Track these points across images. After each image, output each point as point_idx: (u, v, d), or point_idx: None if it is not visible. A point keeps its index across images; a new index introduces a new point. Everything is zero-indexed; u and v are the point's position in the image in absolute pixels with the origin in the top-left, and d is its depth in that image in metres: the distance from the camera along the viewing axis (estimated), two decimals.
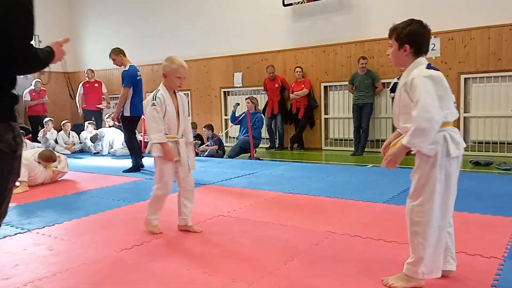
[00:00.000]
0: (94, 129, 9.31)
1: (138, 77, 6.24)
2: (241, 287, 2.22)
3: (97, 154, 8.77)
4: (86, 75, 10.23)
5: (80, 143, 9.36)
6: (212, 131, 8.24)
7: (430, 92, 2.03)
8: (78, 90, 10.15)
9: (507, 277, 2.25)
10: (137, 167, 6.25)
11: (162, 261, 2.62)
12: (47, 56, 1.82)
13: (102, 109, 10.16)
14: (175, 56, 3.15)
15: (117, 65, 6.29)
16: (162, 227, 3.34)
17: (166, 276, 2.40)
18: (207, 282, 2.31)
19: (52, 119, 9.41)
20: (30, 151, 5.53)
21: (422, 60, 2.17)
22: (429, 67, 2.14)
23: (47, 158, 5.34)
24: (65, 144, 9.10)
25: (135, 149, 6.34)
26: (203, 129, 8.33)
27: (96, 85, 10.17)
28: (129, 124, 6.25)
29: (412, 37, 2.17)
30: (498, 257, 2.53)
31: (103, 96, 10.20)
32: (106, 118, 9.43)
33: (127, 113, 6.09)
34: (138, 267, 2.55)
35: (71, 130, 9.49)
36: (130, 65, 6.19)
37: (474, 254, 2.59)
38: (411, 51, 2.17)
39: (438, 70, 2.14)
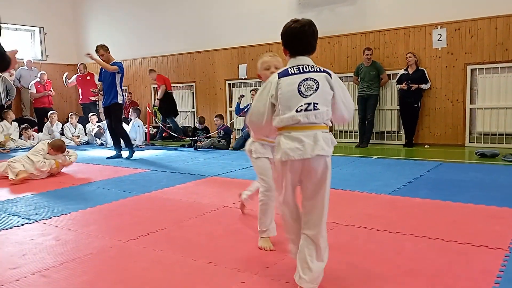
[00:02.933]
0: (97, 121, 9.36)
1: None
2: (246, 277, 2.24)
3: (101, 146, 8.82)
4: (78, 69, 10.35)
5: (86, 135, 9.41)
6: (222, 121, 8.30)
7: (259, 97, 2.12)
8: (72, 78, 10.32)
9: None
10: (119, 155, 6.80)
11: (168, 251, 2.64)
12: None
13: (96, 100, 10.25)
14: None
15: (104, 60, 6.66)
16: (168, 218, 3.37)
17: (172, 266, 2.41)
18: (212, 272, 2.33)
19: (56, 112, 9.46)
20: (41, 143, 5.57)
21: (290, 61, 2.10)
22: (282, 72, 2.07)
23: (58, 147, 5.39)
24: (72, 136, 9.16)
25: (125, 133, 6.87)
26: (215, 118, 8.42)
27: (88, 77, 10.29)
28: (121, 111, 6.84)
29: (283, 38, 2.14)
30: (504, 248, 2.52)
31: (97, 88, 10.25)
32: (101, 111, 9.49)
33: (120, 101, 6.65)
34: (144, 256, 2.57)
35: (77, 122, 9.55)
36: (116, 61, 6.76)
37: (479, 245, 2.58)
38: (286, 52, 2.14)
39: (294, 74, 2.03)
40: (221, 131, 8.12)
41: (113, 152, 7.00)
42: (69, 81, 10.30)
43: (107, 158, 6.75)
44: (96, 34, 12.16)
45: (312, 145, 1.97)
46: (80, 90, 10.24)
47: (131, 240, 2.85)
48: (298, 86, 2.01)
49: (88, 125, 9.41)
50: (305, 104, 1.98)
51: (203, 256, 2.54)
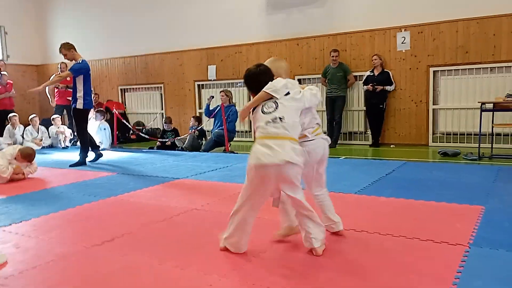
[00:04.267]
0: (62, 124, 9.12)
1: (89, 71, 6.33)
2: (213, 280, 2.22)
3: (65, 148, 8.63)
4: (60, 68, 9.92)
5: (50, 137, 9.13)
6: (198, 123, 8.28)
7: None
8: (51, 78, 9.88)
9: (472, 263, 2.33)
10: (83, 162, 6.33)
11: (134, 256, 2.58)
12: None
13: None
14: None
15: (68, 59, 6.38)
16: (135, 222, 3.30)
17: (138, 270, 2.37)
18: (179, 275, 2.30)
19: (17, 114, 9.11)
20: (13, 147, 5.37)
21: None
22: None
23: (25, 155, 5.23)
24: (33, 139, 8.86)
25: (86, 143, 6.43)
26: (192, 118, 8.53)
27: (68, 78, 9.86)
28: (82, 117, 6.33)
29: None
30: (464, 244, 2.61)
31: (69, 89, 9.93)
32: None
33: (80, 106, 6.18)
34: (108, 262, 2.51)
35: (40, 124, 9.24)
36: (82, 60, 6.24)
37: (440, 241, 2.66)
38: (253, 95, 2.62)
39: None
40: (196, 131, 8.07)
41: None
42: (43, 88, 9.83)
43: (70, 166, 6.27)
44: (61, 34, 11.82)
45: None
46: (56, 90, 9.79)
47: (95, 246, 2.78)
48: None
49: (51, 128, 9.12)
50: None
51: (170, 260, 2.50)
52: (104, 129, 8.41)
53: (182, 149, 7.90)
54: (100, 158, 6.63)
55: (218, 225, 3.13)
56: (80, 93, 6.13)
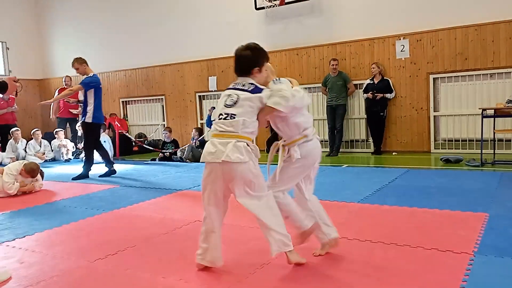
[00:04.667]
0: (65, 137, 9.16)
1: (100, 85, 6.38)
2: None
3: (67, 161, 8.67)
4: (64, 82, 9.98)
5: (52, 151, 9.15)
6: (200, 134, 8.38)
7: None
8: (54, 95, 9.92)
9: (477, 272, 2.32)
10: (86, 175, 6.35)
11: (137, 270, 2.58)
12: None
13: (77, 115, 9.93)
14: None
15: (80, 73, 6.38)
16: (138, 235, 3.30)
17: (141, 285, 2.36)
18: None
19: (19, 129, 9.15)
20: (19, 162, 5.40)
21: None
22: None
23: (29, 171, 5.21)
24: (36, 153, 8.88)
25: (91, 156, 6.44)
26: (193, 130, 8.57)
27: (79, 91, 9.92)
28: (91, 131, 6.33)
29: None
30: (469, 252, 2.60)
31: (79, 104, 9.98)
32: (78, 126, 9.24)
33: (89, 120, 6.19)
34: (112, 276, 2.51)
35: (42, 138, 9.27)
36: (94, 74, 6.31)
37: (445, 250, 2.65)
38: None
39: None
40: (197, 142, 8.10)
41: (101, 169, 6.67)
42: (54, 101, 9.87)
43: (72, 179, 6.29)
44: (62, 48, 11.93)
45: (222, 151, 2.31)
46: (61, 102, 9.83)
47: (99, 260, 2.78)
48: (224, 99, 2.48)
49: (53, 141, 9.15)
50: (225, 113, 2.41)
51: (173, 273, 2.49)
52: (104, 141, 8.42)
53: (181, 160, 7.91)
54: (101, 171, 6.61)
55: (221, 237, 3.12)
56: (90, 107, 6.15)
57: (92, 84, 6.18)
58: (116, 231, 3.47)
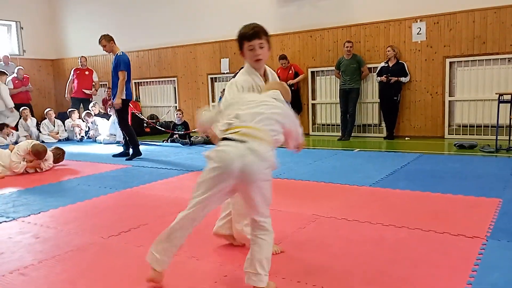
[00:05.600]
0: (78, 118, 9.25)
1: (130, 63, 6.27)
2: (228, 271, 2.24)
3: (81, 141, 8.76)
4: (79, 62, 10.05)
5: (66, 131, 9.27)
6: None
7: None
8: (70, 76, 10.02)
9: (489, 256, 2.30)
10: (137, 151, 6.24)
11: (150, 247, 2.61)
12: None
13: (91, 95, 10.02)
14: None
15: (106, 51, 6.26)
16: (150, 213, 3.34)
17: None
18: (195, 266, 2.32)
19: (27, 107, 9.25)
20: (27, 142, 5.46)
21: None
22: None
23: (35, 153, 5.26)
24: (50, 132, 9.00)
25: (134, 134, 6.31)
26: None
27: (87, 73, 10.02)
28: (124, 107, 6.23)
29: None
30: (481, 237, 2.58)
31: (93, 84, 10.06)
32: (91, 106, 9.32)
33: (122, 96, 6.08)
34: (125, 253, 2.55)
35: (56, 118, 9.38)
36: (122, 52, 6.20)
37: (457, 234, 2.63)
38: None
39: None
40: None
41: (98, 149, 6.73)
42: (70, 79, 9.95)
43: (113, 156, 6.40)
44: (74, 28, 11.95)
45: None
46: (75, 83, 9.92)
47: (112, 237, 2.82)
48: None
49: (67, 121, 9.25)
50: None
51: (185, 251, 2.52)
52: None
53: (192, 143, 7.80)
54: (116, 150, 6.67)
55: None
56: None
57: (127, 63, 6.12)
58: (129, 209, 3.52)
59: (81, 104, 9.87)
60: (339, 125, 7.99)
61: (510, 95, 5.83)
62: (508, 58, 6.75)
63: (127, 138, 6.33)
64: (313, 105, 8.57)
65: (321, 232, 2.78)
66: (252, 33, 2.29)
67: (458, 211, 3.13)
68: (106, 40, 6.13)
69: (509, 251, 2.36)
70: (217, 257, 2.42)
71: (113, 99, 6.17)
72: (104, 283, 2.16)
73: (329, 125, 8.45)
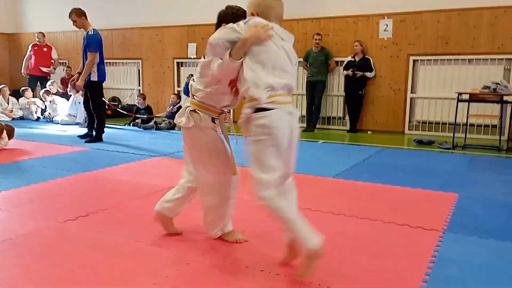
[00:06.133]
0: (33, 96, 8.83)
1: (102, 41, 5.92)
2: (191, 259, 2.19)
3: (38, 120, 8.36)
4: (37, 38, 9.53)
5: (21, 109, 8.83)
6: (180, 100, 8.21)
7: None
8: (27, 52, 9.49)
9: (446, 248, 2.38)
10: (100, 137, 6.04)
11: (109, 233, 2.53)
12: None
13: (49, 74, 9.56)
14: None
15: (77, 27, 5.92)
16: (110, 198, 3.23)
17: (112, 248, 2.31)
18: (157, 253, 2.26)
19: None
20: None
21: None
22: None
23: None
24: (3, 110, 8.54)
25: (103, 116, 6.09)
26: (172, 95, 8.41)
27: (45, 49, 9.52)
28: (97, 90, 5.94)
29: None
30: (438, 229, 2.66)
31: (52, 61, 9.59)
32: (49, 85, 8.90)
33: (94, 78, 5.80)
34: (83, 238, 2.45)
35: (10, 95, 8.91)
36: (94, 29, 5.83)
37: (416, 226, 2.71)
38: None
39: None
40: (175, 108, 7.95)
41: (54, 129, 6.42)
42: (28, 55, 9.40)
43: (78, 136, 6.15)
44: (34, 2, 11.33)
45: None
46: (33, 59, 9.39)
47: (69, 221, 2.71)
48: None
49: (21, 99, 8.80)
50: None
51: (146, 237, 2.46)
52: (79, 103, 8.17)
53: (157, 128, 7.65)
54: (73, 131, 6.42)
55: (196, 204, 3.09)
56: (95, 66, 5.77)
57: (99, 43, 5.76)
58: (87, 193, 3.39)
59: (38, 82, 9.40)
60: (305, 116, 8.04)
61: (468, 95, 6.06)
62: (468, 59, 7.00)
63: (96, 121, 6.05)
64: None
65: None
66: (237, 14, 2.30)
67: (417, 204, 3.23)
68: (77, 15, 5.76)
69: (464, 244, 2.46)
70: (180, 245, 2.37)
71: (88, 77, 5.85)
72: (60, 270, 2.06)
73: None
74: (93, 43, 5.73)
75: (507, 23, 6.65)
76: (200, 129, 2.22)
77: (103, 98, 6.26)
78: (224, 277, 2.02)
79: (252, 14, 2.17)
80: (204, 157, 2.27)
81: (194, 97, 2.27)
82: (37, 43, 9.46)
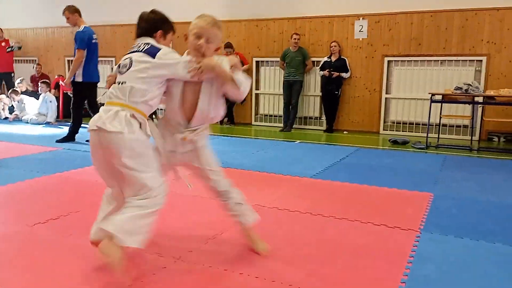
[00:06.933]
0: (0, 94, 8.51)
1: (94, 40, 5.70)
2: (167, 262, 2.13)
3: (6, 120, 8.06)
4: None
5: None
6: None
7: None
8: None
9: (423, 247, 2.40)
10: (72, 136, 5.88)
11: (81, 237, 2.43)
12: None
13: (12, 69, 9.24)
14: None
15: (70, 24, 5.75)
16: (83, 200, 3.12)
17: (86, 252, 2.22)
18: (131, 257, 2.18)
19: None
20: None
21: None
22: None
23: None
24: None
25: (79, 118, 5.91)
26: None
27: (3, 44, 9.20)
28: (78, 91, 5.73)
29: None
30: (415, 229, 2.68)
31: (14, 58, 9.29)
32: (18, 83, 8.60)
33: (79, 78, 5.61)
34: (54, 243, 2.35)
35: None
36: (84, 26, 5.67)
37: (393, 226, 2.72)
38: None
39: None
40: None
41: (23, 129, 6.21)
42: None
43: (56, 141, 5.86)
44: None
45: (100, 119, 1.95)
46: None
47: (39, 224, 2.59)
48: (119, 65, 2.12)
49: None
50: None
51: None
52: (50, 101, 7.92)
53: None
54: (44, 132, 6.21)
55: (173, 207, 3.02)
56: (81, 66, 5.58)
57: (86, 41, 5.55)
58: (58, 195, 3.27)
59: (2, 81, 9.10)
60: (282, 116, 8.04)
61: (441, 96, 6.18)
62: (441, 60, 7.15)
63: (72, 120, 5.92)
64: (257, 95, 8.55)
65: (263, 223, 2.74)
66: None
67: (394, 204, 3.25)
68: (70, 12, 5.63)
69: (441, 244, 2.48)
70: (156, 248, 2.30)
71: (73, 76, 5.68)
72: (30, 275, 1.97)
73: (271, 115, 8.48)
74: (78, 40, 5.57)
75: (477, 26, 6.83)
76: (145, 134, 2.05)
77: (97, 100, 5.96)
78: (200, 282, 1.97)
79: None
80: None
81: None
82: None
